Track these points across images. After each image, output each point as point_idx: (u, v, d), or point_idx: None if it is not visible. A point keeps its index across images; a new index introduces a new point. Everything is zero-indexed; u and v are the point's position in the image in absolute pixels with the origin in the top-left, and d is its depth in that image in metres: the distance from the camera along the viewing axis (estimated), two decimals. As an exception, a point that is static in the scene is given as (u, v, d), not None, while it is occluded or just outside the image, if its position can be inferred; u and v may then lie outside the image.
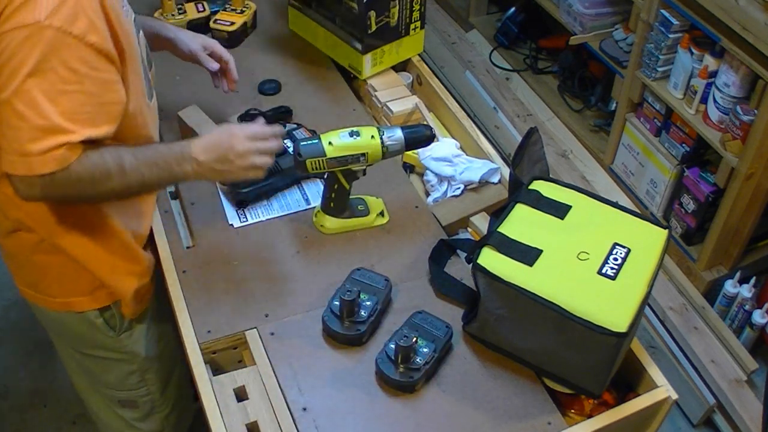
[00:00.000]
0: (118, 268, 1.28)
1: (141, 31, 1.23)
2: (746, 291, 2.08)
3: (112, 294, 1.30)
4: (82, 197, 1.12)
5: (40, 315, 1.36)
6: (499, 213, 1.24)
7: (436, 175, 1.53)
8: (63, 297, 1.29)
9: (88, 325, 1.33)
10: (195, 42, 1.47)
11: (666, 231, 1.19)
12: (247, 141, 1.21)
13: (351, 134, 1.30)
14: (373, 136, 1.31)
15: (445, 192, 1.52)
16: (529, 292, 1.09)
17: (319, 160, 1.29)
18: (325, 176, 1.36)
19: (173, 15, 1.85)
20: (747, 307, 2.10)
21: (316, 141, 1.30)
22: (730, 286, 2.11)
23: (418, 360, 1.16)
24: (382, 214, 1.44)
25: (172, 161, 1.16)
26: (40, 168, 1.02)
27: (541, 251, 1.14)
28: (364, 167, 1.34)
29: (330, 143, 1.29)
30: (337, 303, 1.23)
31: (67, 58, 0.98)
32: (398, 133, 1.32)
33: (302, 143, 1.30)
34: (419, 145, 1.37)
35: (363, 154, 1.31)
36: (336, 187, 1.36)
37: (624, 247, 1.14)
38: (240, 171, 1.21)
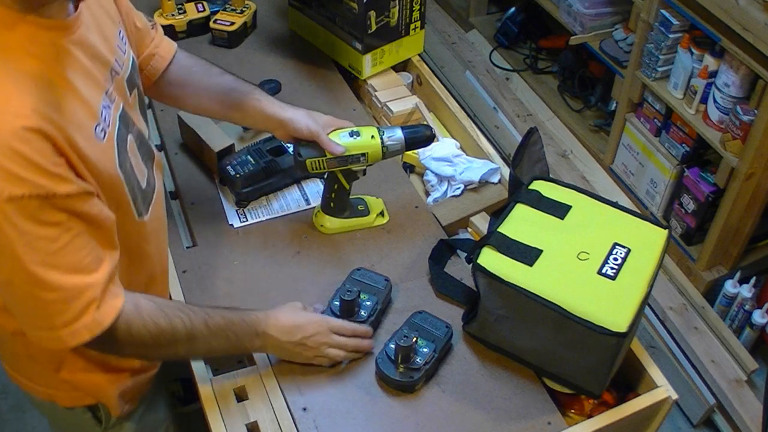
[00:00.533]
0: (93, 378, 1.15)
1: (130, 134, 1.05)
2: (746, 291, 2.08)
3: (96, 396, 1.19)
4: (142, 357, 1.10)
5: (28, 396, 1.24)
6: (499, 213, 1.24)
7: (436, 175, 1.53)
8: (47, 388, 1.18)
9: (74, 416, 1.22)
10: (313, 121, 1.30)
11: (666, 231, 1.19)
12: (330, 334, 1.17)
13: (351, 134, 1.30)
14: (373, 136, 1.31)
15: (445, 192, 1.52)
16: (529, 292, 1.09)
17: (318, 160, 1.29)
18: (325, 176, 1.36)
19: (173, 15, 1.85)
20: (747, 307, 2.10)
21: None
22: (730, 286, 2.11)
23: (418, 360, 1.16)
24: (382, 214, 1.44)
25: (244, 337, 1.11)
26: (72, 340, 0.93)
27: (541, 251, 1.14)
28: (364, 167, 1.34)
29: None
30: (337, 303, 1.23)
31: (45, 218, 0.86)
32: (398, 134, 1.32)
33: (302, 143, 1.30)
34: (419, 145, 1.36)
35: (363, 154, 1.30)
36: (336, 186, 1.36)
37: (624, 247, 1.14)
38: (309, 357, 1.17)
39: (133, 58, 1.12)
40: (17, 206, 0.82)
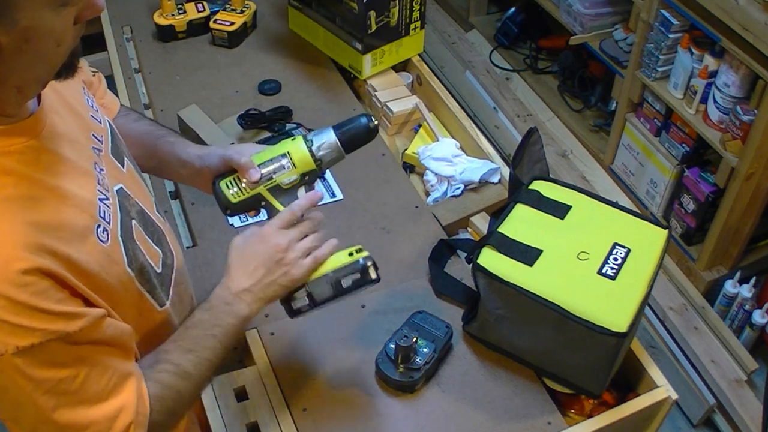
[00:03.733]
0: None
1: (133, 220, 0.94)
2: (746, 291, 2.08)
3: None
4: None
5: None
6: (499, 213, 1.24)
7: (436, 175, 1.53)
8: None
9: None
10: (227, 149, 1.09)
11: (666, 231, 1.19)
12: (280, 234, 0.99)
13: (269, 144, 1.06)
14: (293, 139, 1.04)
15: (445, 192, 1.52)
16: (529, 292, 1.09)
17: (233, 179, 1.03)
18: (262, 208, 1.07)
19: (173, 15, 1.85)
20: (747, 307, 2.10)
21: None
22: (730, 286, 2.11)
23: (418, 360, 1.16)
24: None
25: (225, 323, 0.96)
26: None
27: (541, 251, 1.14)
28: (296, 178, 1.03)
29: None
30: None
31: (60, 360, 0.77)
32: (329, 134, 1.03)
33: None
34: (361, 140, 1.05)
35: (284, 155, 1.02)
36: (271, 216, 1.05)
37: (624, 247, 1.14)
38: (297, 268, 0.99)
39: (109, 124, 1.01)
40: (27, 356, 0.74)
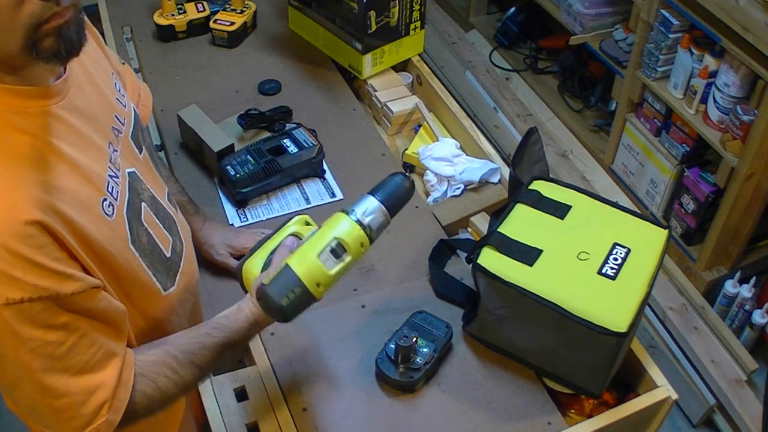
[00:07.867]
0: None
1: (144, 202, 0.95)
2: (746, 291, 2.08)
3: None
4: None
5: None
6: (499, 213, 1.24)
7: (436, 175, 1.53)
8: None
9: None
10: (222, 247, 1.30)
11: (666, 231, 1.19)
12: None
13: (333, 253, 0.95)
14: (349, 226, 0.96)
15: (445, 192, 1.52)
16: (529, 291, 1.09)
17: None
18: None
19: (173, 15, 1.85)
20: (747, 307, 2.10)
21: (298, 287, 0.94)
22: (730, 286, 2.11)
23: (418, 360, 1.16)
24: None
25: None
26: None
27: (541, 251, 1.14)
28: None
29: (318, 285, 0.95)
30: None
31: (49, 321, 0.77)
32: (372, 203, 0.98)
33: (283, 301, 0.94)
34: (404, 201, 1.02)
35: (337, 244, 0.96)
36: None
37: (624, 247, 1.14)
38: None
39: (134, 110, 1.03)
40: (17, 311, 0.74)
